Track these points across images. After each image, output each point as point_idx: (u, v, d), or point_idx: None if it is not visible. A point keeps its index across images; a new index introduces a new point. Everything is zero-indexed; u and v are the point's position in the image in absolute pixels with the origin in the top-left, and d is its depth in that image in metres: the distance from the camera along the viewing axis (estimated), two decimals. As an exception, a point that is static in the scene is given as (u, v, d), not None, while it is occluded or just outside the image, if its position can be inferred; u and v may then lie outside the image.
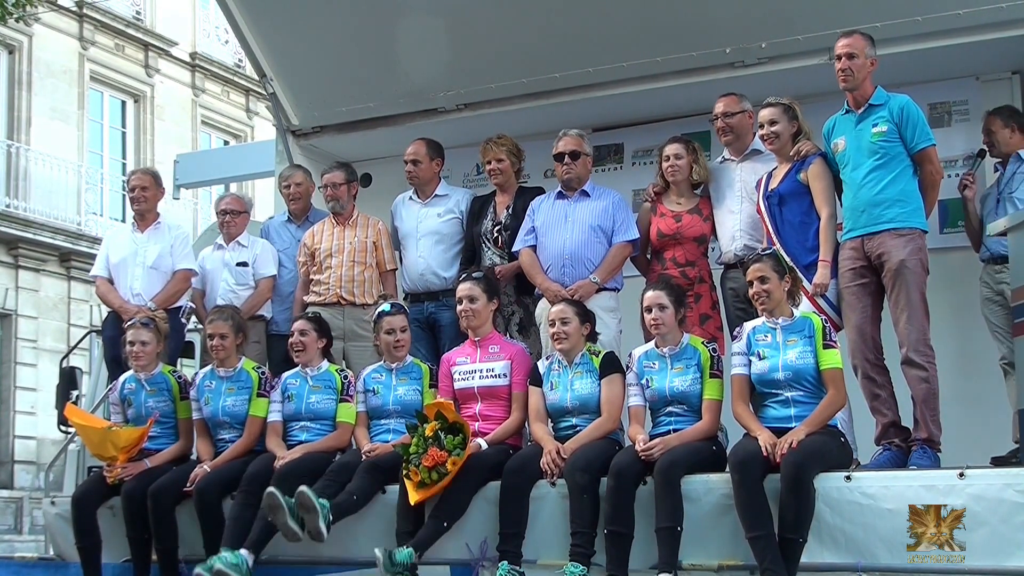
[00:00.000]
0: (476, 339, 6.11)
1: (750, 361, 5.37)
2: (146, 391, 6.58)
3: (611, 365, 5.75)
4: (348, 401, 6.30)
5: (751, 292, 5.44)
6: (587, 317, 5.88)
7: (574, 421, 5.74)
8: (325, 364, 6.45)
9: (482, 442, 5.75)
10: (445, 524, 5.52)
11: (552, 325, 5.83)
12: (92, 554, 6.29)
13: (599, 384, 5.71)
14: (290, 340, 6.47)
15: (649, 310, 5.58)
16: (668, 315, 5.55)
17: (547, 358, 5.95)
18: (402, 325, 6.30)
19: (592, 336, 5.89)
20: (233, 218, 7.44)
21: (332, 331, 6.66)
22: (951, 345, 6.09)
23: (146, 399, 6.57)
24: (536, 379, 5.88)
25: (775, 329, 5.36)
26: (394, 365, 6.27)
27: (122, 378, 6.72)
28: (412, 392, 6.22)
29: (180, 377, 6.72)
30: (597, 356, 5.78)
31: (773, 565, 4.81)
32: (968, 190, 6.22)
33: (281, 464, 6.03)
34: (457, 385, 6.07)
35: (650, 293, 5.65)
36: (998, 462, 5.47)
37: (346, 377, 6.37)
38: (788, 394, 5.26)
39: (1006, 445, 5.72)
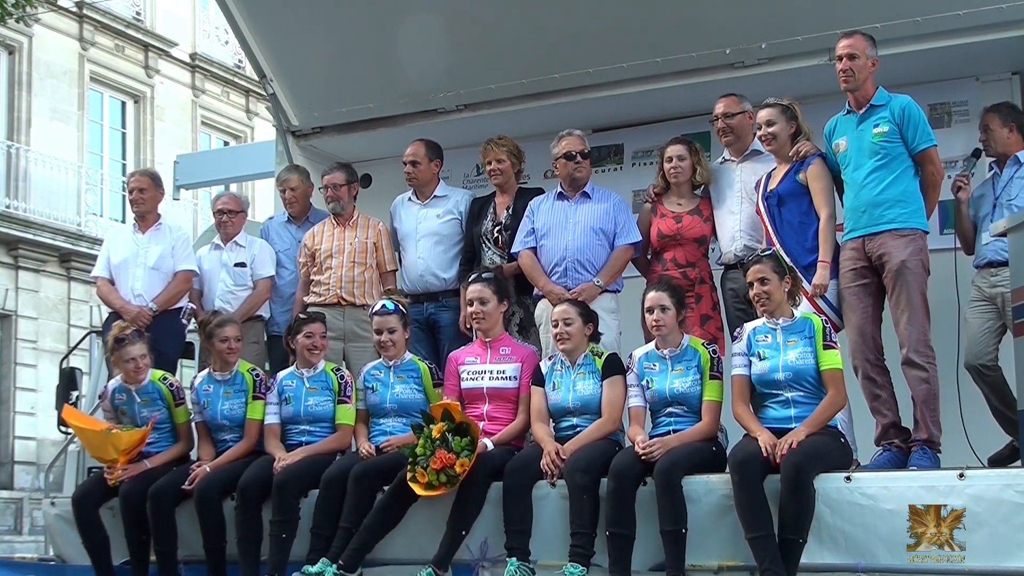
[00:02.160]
0: (487, 340, 6.09)
1: (750, 361, 5.37)
2: (138, 402, 6.49)
3: (613, 367, 5.74)
4: (346, 402, 6.27)
5: (751, 293, 5.43)
6: (590, 317, 5.87)
7: (575, 421, 5.73)
8: (322, 364, 6.39)
9: (488, 443, 5.74)
10: (464, 532, 5.51)
11: (555, 326, 5.82)
12: (100, 552, 6.28)
13: (601, 385, 5.70)
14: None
15: (651, 311, 5.57)
16: (670, 316, 5.55)
17: (549, 358, 5.94)
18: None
19: (595, 336, 5.89)
20: (230, 218, 7.43)
21: (332, 332, 6.66)
22: (951, 346, 6.08)
23: (139, 409, 6.49)
24: (538, 379, 5.88)
25: (775, 329, 5.36)
26: (392, 363, 6.25)
27: (110, 387, 6.64)
28: (410, 391, 6.20)
29: (171, 384, 6.58)
30: (600, 357, 5.77)
31: (773, 566, 4.81)
32: (962, 192, 6.00)
33: (280, 467, 6.01)
34: (465, 385, 6.04)
35: (652, 294, 5.64)
36: (995, 462, 5.47)
37: (342, 377, 6.34)
38: (788, 395, 5.26)
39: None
